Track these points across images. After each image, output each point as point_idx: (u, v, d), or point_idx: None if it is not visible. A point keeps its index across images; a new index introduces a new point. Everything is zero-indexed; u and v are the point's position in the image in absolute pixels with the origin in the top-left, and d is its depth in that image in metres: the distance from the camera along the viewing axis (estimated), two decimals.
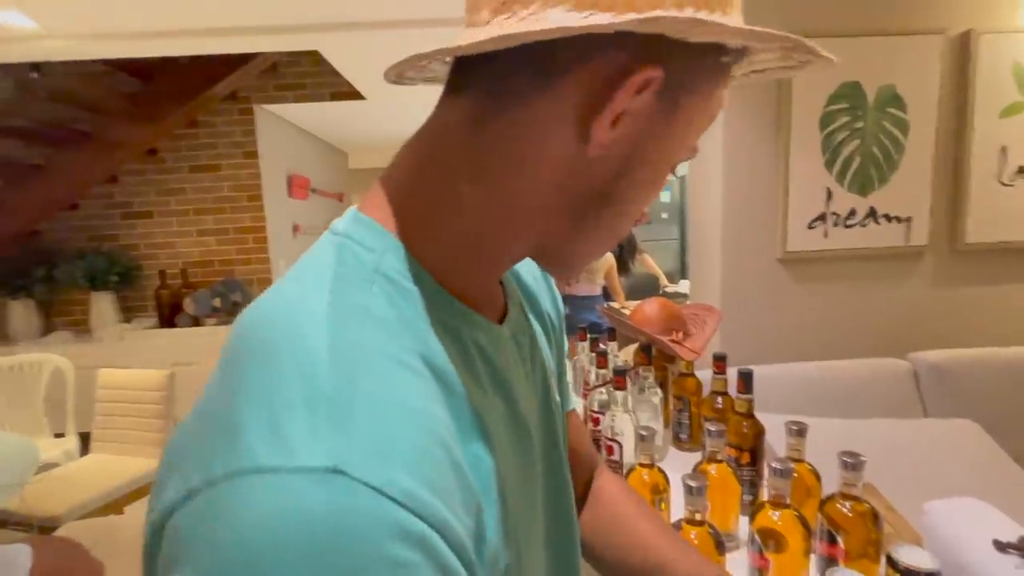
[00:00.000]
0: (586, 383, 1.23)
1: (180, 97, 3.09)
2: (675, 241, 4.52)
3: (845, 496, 0.70)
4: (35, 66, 2.72)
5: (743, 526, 0.87)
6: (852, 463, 0.69)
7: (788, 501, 0.70)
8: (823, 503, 0.73)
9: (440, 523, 0.23)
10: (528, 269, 0.49)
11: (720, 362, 1.06)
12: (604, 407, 1.06)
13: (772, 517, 0.70)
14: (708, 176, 1.72)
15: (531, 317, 0.44)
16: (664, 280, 3.61)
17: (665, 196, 4.41)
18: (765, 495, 0.96)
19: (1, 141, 3.11)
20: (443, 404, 0.28)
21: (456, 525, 0.24)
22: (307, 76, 3.29)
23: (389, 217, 0.32)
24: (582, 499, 0.56)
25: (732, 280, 1.66)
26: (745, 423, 0.94)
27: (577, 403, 1.04)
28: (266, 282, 3.50)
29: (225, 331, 3.10)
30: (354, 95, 3.26)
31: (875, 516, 0.69)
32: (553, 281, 0.52)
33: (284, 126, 3.74)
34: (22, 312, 3.26)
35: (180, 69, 3.08)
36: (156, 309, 3.33)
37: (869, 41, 1.51)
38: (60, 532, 1.58)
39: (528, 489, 0.37)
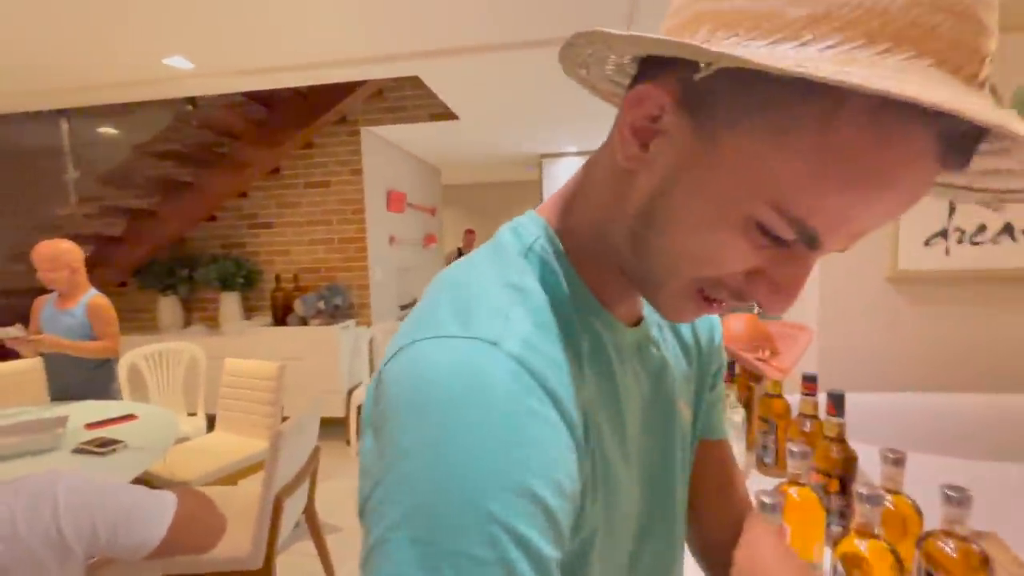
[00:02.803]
0: None
1: (299, 122, 3.49)
2: None
3: (948, 534, 0.64)
4: (190, 100, 3.23)
5: (828, 559, 0.81)
6: (957, 497, 0.63)
7: (876, 531, 0.65)
8: (922, 539, 0.67)
9: (560, 402, 0.32)
10: None
11: (810, 383, 1.00)
12: None
13: (858, 546, 0.66)
14: None
15: (668, 338, 0.48)
16: None
17: None
18: None
19: (160, 163, 3.71)
20: (570, 346, 0.36)
21: (571, 413, 0.33)
22: (408, 100, 3.57)
23: (550, 213, 0.42)
24: (731, 541, 0.54)
25: (832, 300, 1.54)
26: (835, 448, 0.88)
27: None
28: (364, 288, 3.80)
29: (327, 331, 3.42)
30: (449, 116, 3.47)
31: (985, 561, 0.62)
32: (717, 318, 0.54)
33: (385, 145, 4.06)
34: (169, 307, 3.82)
35: (300, 98, 3.49)
36: (271, 309, 3.74)
37: (1004, 38, 1.35)
38: None
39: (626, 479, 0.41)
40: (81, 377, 2.16)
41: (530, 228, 0.40)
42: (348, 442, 3.37)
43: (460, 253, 5.56)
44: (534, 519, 0.28)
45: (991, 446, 1.26)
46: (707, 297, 0.35)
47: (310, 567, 1.97)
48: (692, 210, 0.31)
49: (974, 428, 1.33)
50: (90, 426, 1.73)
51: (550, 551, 0.28)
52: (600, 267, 0.39)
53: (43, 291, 2.24)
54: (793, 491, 0.80)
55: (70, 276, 2.16)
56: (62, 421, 1.67)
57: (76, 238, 2.24)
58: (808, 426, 1.01)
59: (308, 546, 1.94)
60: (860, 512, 0.66)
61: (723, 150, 0.29)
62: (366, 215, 3.73)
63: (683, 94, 0.30)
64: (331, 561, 1.88)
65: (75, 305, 2.17)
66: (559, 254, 0.39)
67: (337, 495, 2.70)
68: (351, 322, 3.64)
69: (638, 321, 0.44)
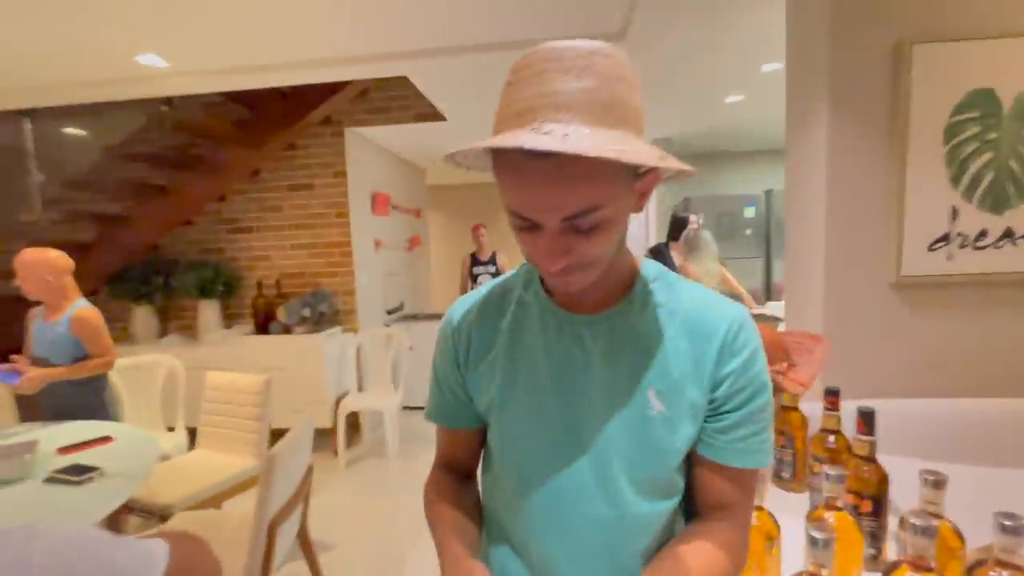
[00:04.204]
0: None
1: (282, 123, 3.37)
2: (759, 259, 4.27)
3: (1002, 564, 0.61)
4: (167, 100, 3.08)
5: None
6: (1012, 527, 0.60)
7: (933, 564, 0.62)
8: (972, 569, 0.64)
9: (453, 329, 0.71)
10: (711, 331, 0.62)
11: (833, 397, 0.97)
12: None
13: None
14: (810, 189, 1.60)
15: (646, 345, 0.63)
16: (749, 301, 3.41)
17: (750, 211, 4.19)
18: (890, 550, 0.86)
19: (133, 165, 3.55)
20: (490, 311, 0.70)
21: (462, 335, 0.70)
22: (394, 100, 3.48)
23: None
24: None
25: (836, 306, 1.52)
26: (867, 467, 0.85)
27: None
28: (350, 293, 3.70)
29: (312, 339, 3.31)
30: (436, 117, 3.40)
31: None
32: (737, 352, 0.61)
33: (370, 146, 3.96)
34: (143, 317, 3.66)
35: (282, 98, 3.37)
36: (253, 316, 3.61)
37: (1008, 43, 1.35)
38: (172, 521, 1.73)
39: (533, 410, 0.65)
40: (71, 393, 2.01)
41: None
42: (336, 453, 3.28)
43: (473, 258, 4.43)
44: (439, 362, 0.73)
45: (1000, 451, 1.25)
46: (547, 271, 0.55)
47: None
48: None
49: (981, 433, 1.33)
50: (63, 450, 1.62)
51: (441, 379, 0.73)
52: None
53: (16, 300, 2.10)
54: (830, 516, 0.77)
55: (50, 287, 2.01)
56: (30, 446, 1.55)
57: (42, 245, 2.10)
58: (832, 442, 0.99)
59: (300, 567, 1.85)
60: (914, 545, 0.63)
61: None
62: (351, 218, 3.63)
63: None
64: None
65: (60, 317, 2.03)
66: (533, 271, 0.69)
67: (327, 511, 2.61)
68: (337, 329, 3.54)
69: (585, 311, 0.64)
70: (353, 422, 3.62)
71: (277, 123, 3.39)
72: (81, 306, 2.06)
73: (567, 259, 0.53)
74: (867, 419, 0.85)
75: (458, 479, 0.76)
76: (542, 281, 0.67)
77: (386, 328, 3.73)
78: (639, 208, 0.57)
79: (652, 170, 0.54)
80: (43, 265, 2.00)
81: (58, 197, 3.64)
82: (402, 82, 3.31)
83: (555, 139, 0.44)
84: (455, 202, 6.77)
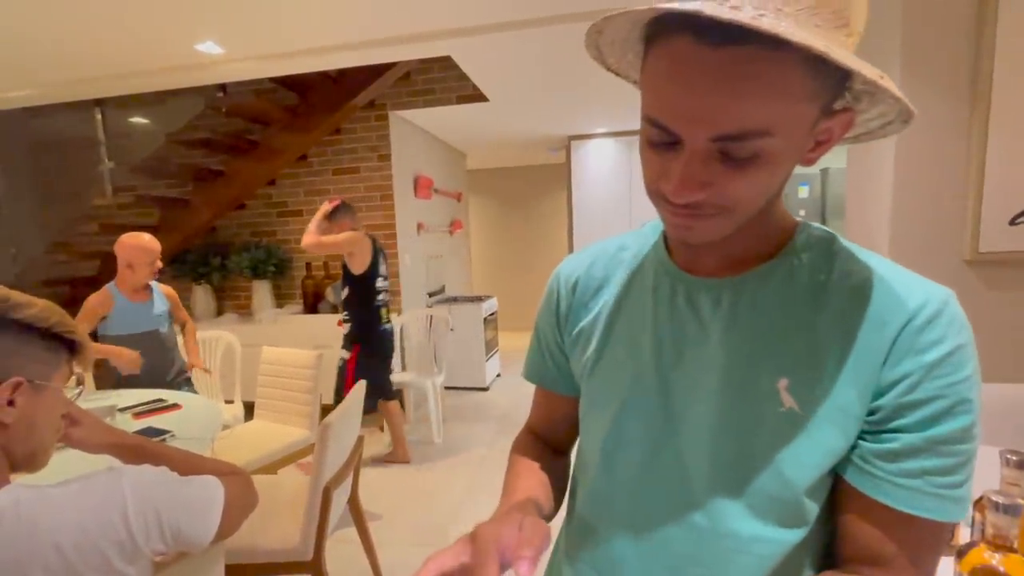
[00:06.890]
0: None
1: (329, 107, 3.45)
2: None
3: None
4: (221, 87, 3.21)
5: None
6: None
7: (1015, 544, 0.58)
8: None
9: (558, 283, 0.63)
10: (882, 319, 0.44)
11: None
12: None
13: (991, 561, 0.59)
14: (875, 159, 1.51)
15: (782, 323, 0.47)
16: None
17: (803, 191, 3.99)
18: (962, 536, 0.82)
19: (191, 151, 3.72)
20: (601, 266, 0.61)
21: (566, 291, 0.62)
22: (436, 82, 3.49)
23: None
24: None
25: None
26: None
27: None
28: (394, 275, 3.78)
29: None
30: (479, 97, 3.39)
31: None
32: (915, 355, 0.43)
33: (413, 129, 4.00)
34: (202, 295, 3.87)
35: (329, 83, 3.44)
36: (302, 297, 3.75)
37: None
38: None
39: (635, 366, 0.53)
40: (145, 363, 2.13)
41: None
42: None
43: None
44: (540, 317, 0.65)
45: None
46: (669, 201, 0.42)
47: (353, 553, 1.98)
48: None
49: None
50: (137, 416, 1.75)
51: (541, 336, 0.65)
52: None
53: (85, 281, 2.27)
54: None
55: (148, 269, 2.22)
56: (111, 410, 1.68)
57: (112, 228, 2.25)
58: None
59: (350, 533, 1.94)
60: (995, 523, 0.59)
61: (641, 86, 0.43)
62: (394, 201, 3.69)
63: None
64: (374, 548, 1.88)
65: (151, 295, 2.26)
66: (658, 226, 0.58)
67: (374, 482, 2.71)
68: None
69: (709, 274, 0.51)
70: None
71: (324, 107, 3.47)
72: (158, 282, 2.31)
73: (702, 193, 0.39)
74: None
75: (539, 441, 0.69)
76: (665, 235, 0.56)
77: (428, 310, 3.79)
78: (810, 160, 0.42)
79: (845, 110, 0.41)
80: (141, 249, 2.18)
81: (126, 183, 3.88)
82: (444, 63, 3.31)
83: (744, 16, 0.32)
84: (495, 186, 6.77)
